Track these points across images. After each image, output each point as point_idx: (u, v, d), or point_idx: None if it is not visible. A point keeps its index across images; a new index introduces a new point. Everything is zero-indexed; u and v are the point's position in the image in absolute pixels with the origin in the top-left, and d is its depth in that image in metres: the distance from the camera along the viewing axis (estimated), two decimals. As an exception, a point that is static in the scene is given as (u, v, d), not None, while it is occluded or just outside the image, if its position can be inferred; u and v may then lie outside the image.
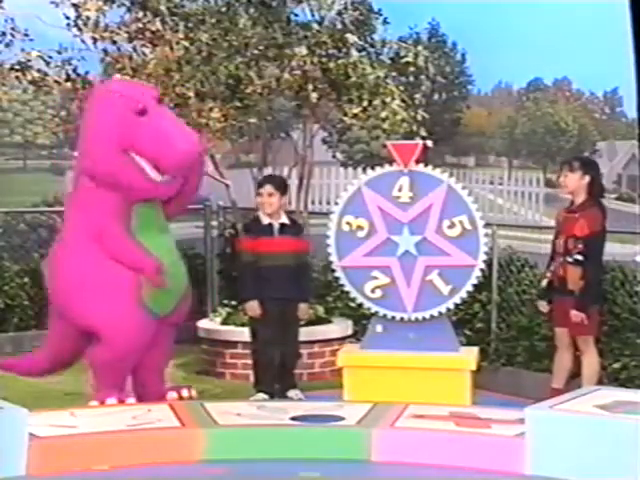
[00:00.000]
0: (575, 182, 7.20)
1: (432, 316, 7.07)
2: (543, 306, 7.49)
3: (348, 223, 7.19)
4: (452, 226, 7.06)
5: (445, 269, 7.06)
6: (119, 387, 6.57)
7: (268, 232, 7.48)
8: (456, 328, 7.49)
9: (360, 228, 7.17)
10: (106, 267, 6.47)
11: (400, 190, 7.13)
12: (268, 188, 7.56)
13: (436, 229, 7.06)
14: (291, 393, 7.55)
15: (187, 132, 6.63)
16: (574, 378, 7.40)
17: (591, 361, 7.20)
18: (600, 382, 7.21)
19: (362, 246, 7.16)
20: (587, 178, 7.18)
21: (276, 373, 7.58)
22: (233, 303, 9.11)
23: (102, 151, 6.48)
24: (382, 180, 7.17)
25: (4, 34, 8.61)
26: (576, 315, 7.04)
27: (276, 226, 7.52)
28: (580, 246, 7.07)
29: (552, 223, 8.14)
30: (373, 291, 7.17)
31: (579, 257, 7.06)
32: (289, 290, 7.45)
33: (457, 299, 7.10)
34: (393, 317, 7.12)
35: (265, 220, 7.51)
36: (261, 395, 7.42)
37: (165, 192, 6.68)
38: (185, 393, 6.85)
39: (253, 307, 7.47)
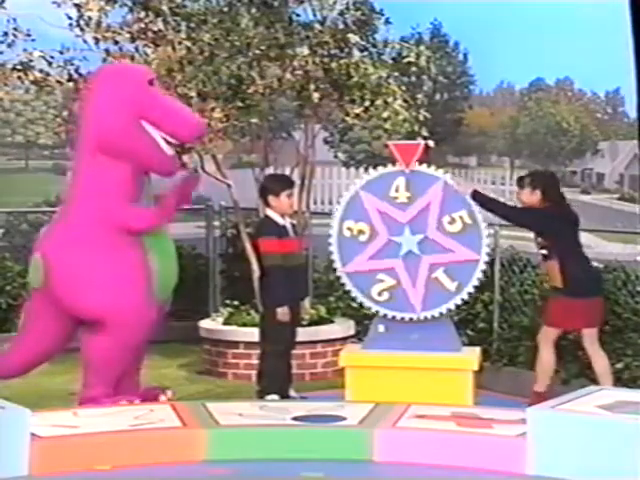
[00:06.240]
0: (527, 198, 7.41)
1: (440, 314, 7.05)
2: None
3: (349, 228, 7.16)
4: (452, 222, 7.05)
5: (450, 265, 7.05)
6: (111, 385, 6.44)
7: (286, 233, 7.40)
8: (458, 328, 7.49)
9: (361, 232, 7.14)
10: (115, 253, 6.36)
11: (397, 190, 7.11)
12: (292, 189, 7.55)
13: (437, 226, 7.05)
14: (291, 392, 7.54)
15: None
16: (577, 378, 7.41)
17: (598, 359, 7.21)
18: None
19: (365, 250, 7.14)
20: (537, 192, 7.34)
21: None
22: (235, 303, 9.11)
23: (117, 119, 6.41)
24: (378, 182, 7.15)
25: (6, 34, 8.60)
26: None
27: (289, 227, 7.51)
28: (540, 240, 7.35)
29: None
30: (380, 294, 7.14)
31: (543, 252, 7.31)
32: (305, 289, 7.51)
33: (464, 294, 7.06)
34: (402, 318, 7.09)
35: (280, 221, 7.42)
36: (276, 397, 7.30)
37: (174, 167, 6.65)
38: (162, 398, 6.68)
39: (285, 312, 7.26)
